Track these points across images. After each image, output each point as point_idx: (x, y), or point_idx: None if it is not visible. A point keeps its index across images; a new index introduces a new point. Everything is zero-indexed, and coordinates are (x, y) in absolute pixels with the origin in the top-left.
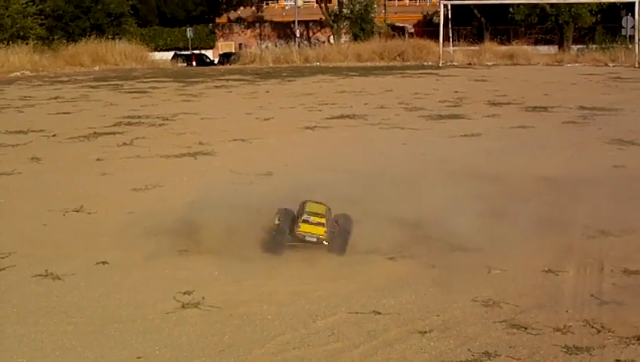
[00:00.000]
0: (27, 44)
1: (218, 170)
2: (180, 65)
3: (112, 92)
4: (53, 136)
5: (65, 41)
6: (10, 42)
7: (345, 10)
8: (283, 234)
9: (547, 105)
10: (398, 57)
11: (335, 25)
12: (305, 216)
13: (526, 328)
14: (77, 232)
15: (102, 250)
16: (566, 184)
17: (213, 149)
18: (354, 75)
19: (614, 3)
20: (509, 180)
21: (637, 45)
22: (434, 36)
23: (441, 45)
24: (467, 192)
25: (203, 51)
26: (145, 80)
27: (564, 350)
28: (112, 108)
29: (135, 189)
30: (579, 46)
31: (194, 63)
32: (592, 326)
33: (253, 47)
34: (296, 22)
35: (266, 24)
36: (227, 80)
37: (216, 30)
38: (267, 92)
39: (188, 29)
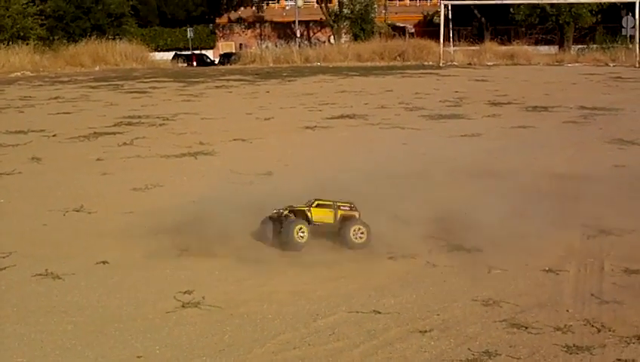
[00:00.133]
0: (28, 44)
1: (218, 170)
2: (180, 65)
3: (112, 92)
4: (54, 136)
5: (65, 41)
6: (11, 42)
7: (345, 10)
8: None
9: (547, 105)
10: (398, 57)
11: (335, 25)
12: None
13: (526, 327)
14: (77, 232)
15: (102, 250)
16: (566, 183)
17: (214, 149)
18: (354, 74)
19: (615, 3)
20: (509, 180)
21: (637, 45)
22: (434, 36)
23: (441, 45)
24: (467, 192)
25: (203, 51)
26: (145, 80)
27: (565, 349)
28: (113, 108)
29: (135, 189)
30: (579, 46)
31: (194, 63)
32: (593, 326)
33: (253, 48)
34: (296, 22)
35: (267, 24)
36: (227, 80)
37: (216, 30)
38: (267, 92)
39: (188, 30)
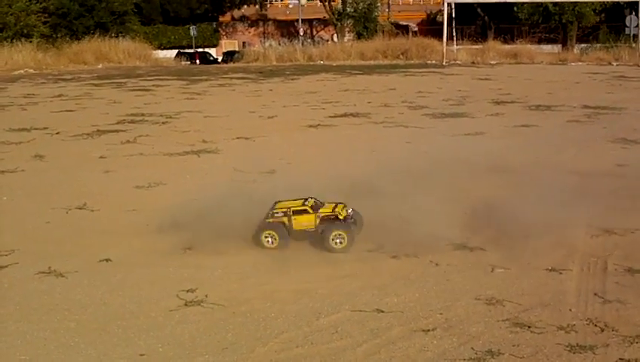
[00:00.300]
0: (31, 42)
1: (221, 168)
2: (183, 63)
3: (115, 90)
4: (57, 133)
5: (68, 39)
6: (14, 40)
7: (349, 9)
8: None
9: (551, 104)
10: (401, 56)
11: (339, 23)
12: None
13: (529, 327)
14: (80, 230)
15: (105, 248)
16: (569, 183)
17: (217, 147)
18: (357, 73)
19: (618, 2)
20: (510, 179)
21: None
22: (438, 35)
23: (444, 44)
24: (466, 192)
25: (207, 49)
26: (148, 78)
27: (568, 349)
28: (116, 106)
29: (138, 187)
30: (583, 45)
31: (197, 61)
32: (596, 325)
33: (256, 46)
34: (299, 20)
35: (270, 22)
36: (231, 78)
37: (219, 28)
38: (271, 90)
39: (191, 28)
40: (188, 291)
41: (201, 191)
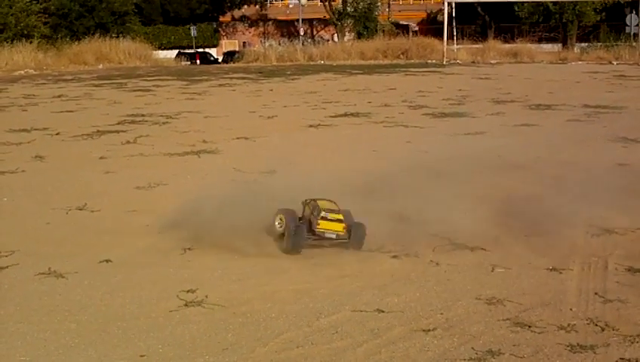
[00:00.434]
0: (31, 42)
1: (222, 169)
2: (183, 63)
3: (115, 90)
4: (57, 134)
5: (69, 39)
6: (15, 41)
7: (349, 9)
8: (301, 233)
9: (551, 103)
10: (401, 55)
11: (339, 23)
12: (323, 214)
13: (530, 326)
14: (80, 230)
15: (105, 248)
16: (569, 182)
17: (217, 148)
18: (358, 73)
19: (618, 1)
20: (510, 178)
21: None
22: (438, 34)
23: (445, 43)
24: (463, 192)
25: (207, 50)
26: (149, 78)
27: (568, 348)
28: (116, 106)
29: (139, 187)
30: (583, 44)
31: (198, 62)
32: (596, 325)
33: (257, 46)
34: (300, 20)
35: (270, 22)
36: (231, 78)
37: (220, 28)
38: (271, 90)
39: (192, 28)
40: (188, 291)
41: (201, 192)
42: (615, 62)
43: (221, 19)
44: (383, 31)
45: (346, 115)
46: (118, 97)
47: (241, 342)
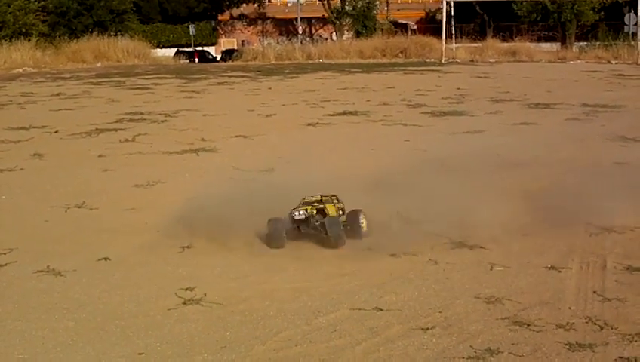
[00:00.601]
0: (29, 40)
1: (220, 167)
2: (182, 61)
3: (114, 88)
4: (55, 132)
5: (67, 37)
6: (13, 39)
7: (347, 7)
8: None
9: (550, 102)
10: (400, 54)
11: (337, 22)
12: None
13: (528, 325)
14: (79, 228)
15: (103, 246)
16: (568, 181)
17: (216, 146)
18: (356, 71)
19: (617, 0)
20: (509, 177)
21: (639, 42)
22: (436, 33)
23: (443, 42)
24: (462, 190)
25: (205, 48)
26: (147, 76)
27: (567, 347)
28: (114, 104)
29: (137, 185)
30: (581, 43)
31: (196, 60)
32: (595, 323)
33: (255, 44)
34: (298, 19)
35: (269, 21)
36: (229, 77)
37: (218, 27)
38: (269, 89)
39: (190, 26)
40: (186, 290)
41: (199, 190)
42: (614, 62)
43: (220, 17)
44: (382, 29)
45: (344, 113)
46: (117, 95)
47: (239, 340)
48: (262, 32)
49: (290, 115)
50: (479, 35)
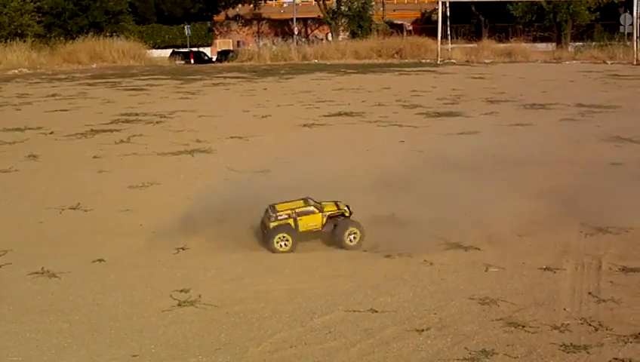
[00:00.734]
0: (25, 41)
1: (215, 168)
2: (177, 62)
3: (109, 89)
4: (51, 133)
5: (63, 38)
6: (8, 40)
7: (343, 8)
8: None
9: (545, 103)
10: (396, 55)
11: (333, 22)
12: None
13: (523, 326)
14: (73, 230)
15: (98, 248)
16: (564, 181)
17: (211, 147)
18: (352, 72)
19: (612, 1)
20: (504, 177)
21: (635, 43)
22: (432, 34)
23: (439, 43)
24: (457, 191)
25: (201, 49)
26: (143, 77)
27: (562, 348)
28: (110, 105)
29: (132, 187)
30: (577, 43)
31: (192, 61)
32: (590, 325)
33: (251, 45)
34: (294, 19)
35: (264, 22)
36: (225, 77)
37: (214, 28)
38: (265, 89)
39: (186, 27)
40: (181, 291)
41: (194, 191)
42: (609, 62)
43: (215, 18)
44: (377, 30)
45: (339, 114)
46: (112, 96)
47: (234, 341)
48: (257, 32)
49: (285, 116)
50: (475, 35)
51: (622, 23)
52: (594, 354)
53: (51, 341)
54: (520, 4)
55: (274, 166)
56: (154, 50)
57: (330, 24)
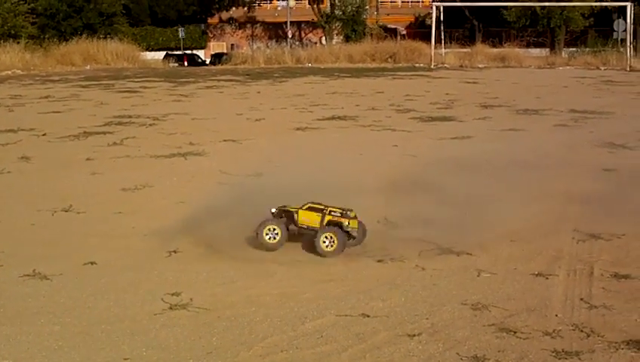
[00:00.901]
0: (18, 42)
1: (208, 171)
2: (171, 65)
3: (102, 91)
4: (43, 135)
5: (56, 40)
6: (1, 41)
7: (337, 12)
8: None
9: (538, 108)
10: (389, 59)
11: (327, 26)
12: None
13: (515, 332)
14: (65, 232)
15: (90, 251)
16: (556, 187)
17: (204, 150)
18: (345, 76)
19: (606, 7)
20: (496, 182)
21: (628, 49)
22: (426, 38)
23: (432, 47)
24: (451, 195)
25: (195, 51)
26: (136, 80)
27: (553, 354)
28: (103, 107)
29: (124, 189)
30: (571, 49)
31: (185, 63)
32: (582, 331)
33: (244, 48)
34: (288, 23)
35: (258, 25)
36: (218, 80)
37: (208, 30)
38: (258, 93)
39: (180, 29)
40: (173, 295)
41: (187, 194)
42: (603, 68)
43: (209, 21)
44: (371, 34)
45: (333, 118)
46: (105, 98)
47: (225, 345)
48: (251, 35)
49: (278, 120)
50: (468, 40)
51: (615, 29)
52: (585, 361)
53: (42, 343)
54: (514, 9)
55: (267, 169)
56: (147, 53)
57: (324, 28)
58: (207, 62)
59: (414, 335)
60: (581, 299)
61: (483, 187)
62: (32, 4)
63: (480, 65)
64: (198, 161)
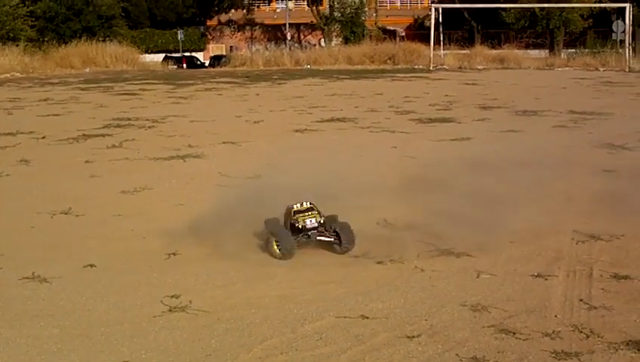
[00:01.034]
0: (17, 45)
1: (207, 173)
2: (170, 67)
3: (102, 94)
4: (43, 138)
5: (55, 42)
6: (1, 44)
7: (336, 13)
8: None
9: (537, 109)
10: (388, 60)
11: (326, 28)
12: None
13: (514, 333)
14: (65, 235)
15: (89, 253)
16: (556, 187)
17: (203, 152)
18: (345, 78)
19: (605, 8)
20: (495, 183)
21: (627, 50)
22: (425, 39)
23: (431, 49)
24: (450, 197)
25: (194, 54)
26: (135, 82)
27: (553, 355)
28: (102, 110)
29: (124, 192)
30: (570, 50)
31: (184, 66)
32: (581, 332)
33: (243, 50)
34: (287, 25)
35: (257, 27)
36: (217, 82)
37: (207, 33)
38: (257, 95)
39: (179, 32)
40: (172, 297)
41: (186, 196)
42: (601, 69)
43: (208, 23)
44: (370, 36)
45: (332, 120)
46: (105, 101)
47: (224, 347)
48: (250, 37)
49: (277, 122)
50: (467, 41)
51: (614, 30)
52: None
53: (42, 346)
54: (513, 10)
55: (266, 171)
56: (147, 55)
57: (323, 30)
58: (206, 64)
59: (414, 337)
60: (581, 300)
61: (482, 188)
62: (31, 7)
63: (479, 67)
64: (197, 164)
